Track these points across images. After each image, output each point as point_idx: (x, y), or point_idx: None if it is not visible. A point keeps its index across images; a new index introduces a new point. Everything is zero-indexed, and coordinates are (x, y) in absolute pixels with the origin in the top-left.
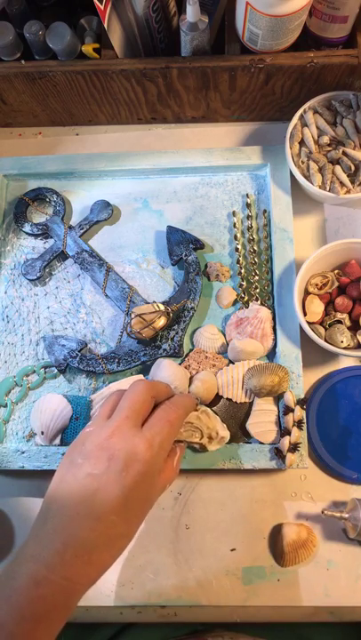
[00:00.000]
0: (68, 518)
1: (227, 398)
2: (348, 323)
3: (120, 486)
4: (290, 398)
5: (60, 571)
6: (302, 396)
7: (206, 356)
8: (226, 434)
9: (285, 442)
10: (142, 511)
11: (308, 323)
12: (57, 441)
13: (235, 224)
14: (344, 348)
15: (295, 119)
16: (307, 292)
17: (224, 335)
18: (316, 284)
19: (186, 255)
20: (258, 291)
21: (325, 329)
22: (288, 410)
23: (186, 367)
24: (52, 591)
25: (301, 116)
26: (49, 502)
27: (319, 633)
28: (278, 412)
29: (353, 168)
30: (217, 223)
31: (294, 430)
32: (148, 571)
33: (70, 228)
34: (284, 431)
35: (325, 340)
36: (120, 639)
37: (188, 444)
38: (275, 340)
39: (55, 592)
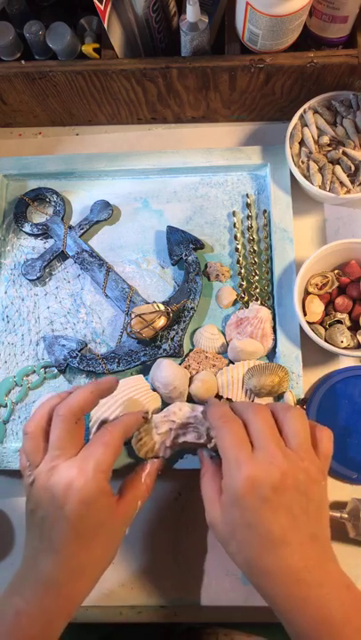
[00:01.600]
0: (33, 553)
1: (227, 398)
2: (348, 323)
3: (65, 519)
4: (290, 398)
5: (35, 603)
6: (302, 396)
7: (206, 356)
8: None
9: None
10: (101, 536)
11: (308, 323)
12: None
13: (235, 224)
14: (344, 348)
15: (295, 119)
16: (307, 292)
17: (224, 335)
18: (316, 284)
19: (186, 255)
20: (258, 291)
21: (325, 329)
22: None
23: (186, 367)
24: (30, 622)
25: (301, 116)
26: (25, 544)
27: None
28: None
29: (353, 168)
30: (217, 223)
31: None
32: (148, 571)
33: (70, 227)
34: None
35: (325, 340)
36: (118, 637)
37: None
38: (275, 339)
39: (32, 623)
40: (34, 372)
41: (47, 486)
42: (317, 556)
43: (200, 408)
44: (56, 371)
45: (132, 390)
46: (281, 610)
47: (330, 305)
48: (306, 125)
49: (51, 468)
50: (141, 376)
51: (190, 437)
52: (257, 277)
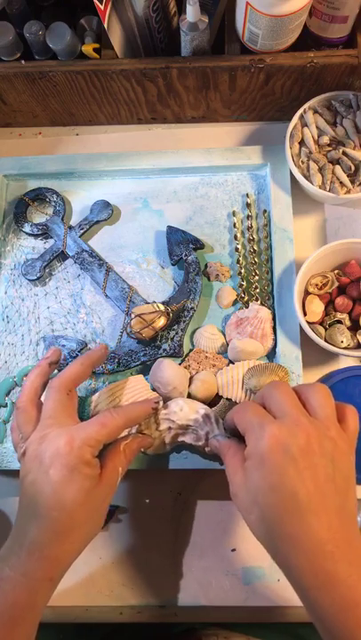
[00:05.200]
0: (21, 522)
1: (227, 398)
2: (348, 323)
3: (49, 484)
4: None
5: (19, 568)
6: None
7: (206, 356)
8: (227, 437)
9: None
10: (84, 503)
11: (308, 323)
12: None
13: (235, 224)
14: (344, 348)
15: (295, 119)
16: (307, 292)
17: (224, 335)
18: (316, 284)
19: (186, 255)
20: (258, 291)
21: (325, 329)
22: None
23: (186, 367)
24: (12, 587)
25: (301, 116)
26: (17, 514)
27: (319, 633)
28: None
29: (353, 168)
30: (217, 223)
31: None
32: (148, 571)
33: (70, 227)
34: None
35: (325, 340)
36: (118, 637)
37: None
38: (275, 340)
39: (14, 588)
40: None
41: (36, 453)
42: (344, 531)
43: (202, 410)
44: (56, 371)
45: (132, 390)
46: (305, 586)
47: (330, 305)
48: (306, 125)
49: (42, 437)
50: (141, 376)
51: (189, 439)
52: (257, 277)
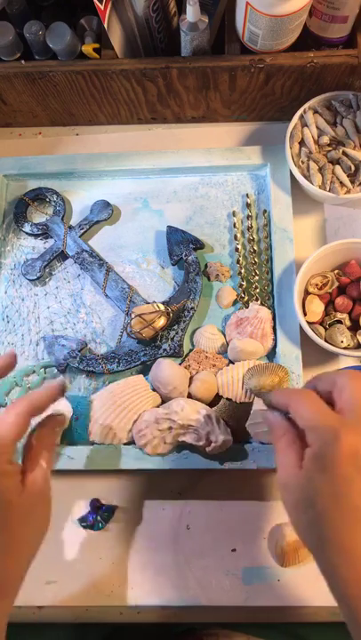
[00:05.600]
0: None
1: (227, 398)
2: (348, 323)
3: None
4: None
5: None
6: None
7: (206, 356)
8: (228, 438)
9: None
10: (15, 515)
11: (308, 323)
12: (57, 441)
13: (235, 224)
14: (344, 348)
15: (295, 119)
16: (307, 292)
17: (224, 335)
18: (316, 284)
19: (186, 255)
20: (258, 291)
21: (325, 329)
22: None
23: (186, 367)
24: None
25: (301, 116)
26: None
27: (319, 633)
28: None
29: (353, 168)
30: (217, 223)
31: None
32: (148, 571)
33: (70, 227)
34: None
35: (325, 340)
36: (118, 637)
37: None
38: (275, 340)
39: None
40: (34, 372)
41: None
42: None
43: (203, 411)
44: (56, 371)
45: (132, 390)
46: (349, 594)
47: (330, 305)
48: (306, 125)
49: None
50: (141, 376)
51: (189, 438)
52: (257, 277)
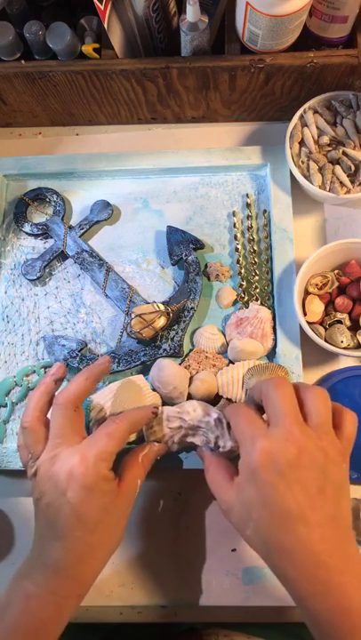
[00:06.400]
0: (42, 541)
1: (227, 398)
2: (348, 323)
3: (69, 505)
4: None
5: (46, 586)
6: None
7: (206, 356)
8: (237, 445)
9: None
10: (105, 519)
11: (308, 323)
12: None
13: (235, 224)
14: (344, 348)
15: (295, 119)
16: (307, 292)
17: (224, 335)
18: (316, 284)
19: (186, 255)
20: (258, 291)
21: (325, 329)
22: None
23: (186, 367)
24: (40, 604)
25: (301, 116)
26: (34, 531)
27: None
28: None
29: (353, 168)
30: (217, 223)
31: None
32: (148, 571)
33: (70, 227)
34: None
35: (325, 340)
36: (118, 637)
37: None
38: (275, 340)
39: (43, 605)
40: (34, 371)
41: (50, 474)
42: (337, 540)
43: (214, 414)
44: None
45: (132, 390)
46: (301, 595)
47: (330, 305)
48: (306, 125)
49: (53, 457)
50: (141, 376)
51: (198, 440)
52: (257, 277)
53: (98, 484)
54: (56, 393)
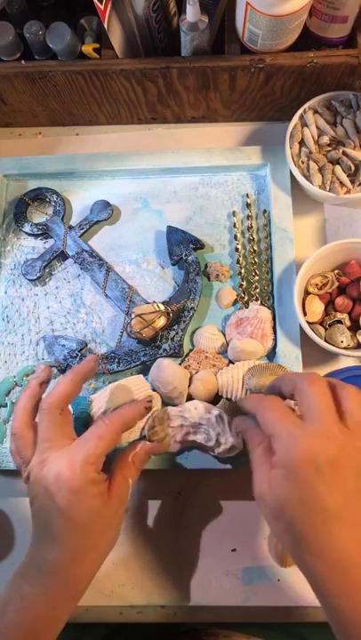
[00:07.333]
0: (38, 542)
1: (227, 398)
2: (348, 323)
3: (58, 509)
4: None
5: (40, 587)
6: None
7: (206, 356)
8: (238, 441)
9: None
10: (97, 522)
11: (308, 323)
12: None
13: (235, 224)
14: (344, 348)
15: (295, 119)
16: (307, 292)
17: (224, 335)
18: (316, 284)
19: (186, 255)
20: (258, 291)
21: (325, 329)
22: None
23: (186, 367)
24: (35, 604)
25: (301, 116)
26: (32, 533)
27: (319, 633)
28: None
29: (353, 168)
30: (217, 223)
31: None
32: (148, 571)
33: (70, 227)
34: None
35: (325, 340)
36: (118, 637)
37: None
38: (275, 340)
39: (37, 605)
40: (34, 372)
41: (39, 478)
42: None
43: (215, 411)
44: (56, 371)
45: (131, 390)
46: (328, 593)
47: (330, 305)
48: (306, 125)
49: (41, 461)
50: (141, 376)
51: (200, 438)
52: (257, 277)
53: (85, 488)
54: (43, 396)
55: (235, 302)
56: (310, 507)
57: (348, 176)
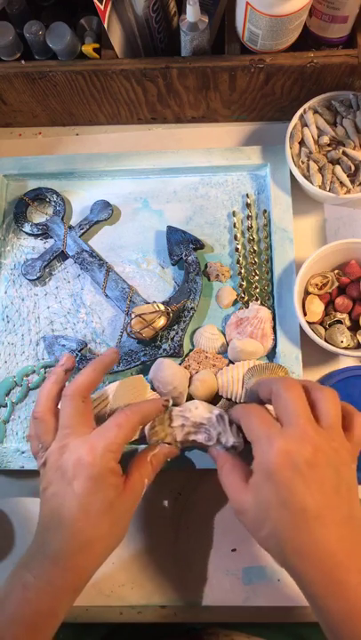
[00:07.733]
0: (43, 531)
1: (227, 398)
2: (348, 323)
3: (74, 495)
4: None
5: (43, 576)
6: None
7: (206, 356)
8: (239, 441)
9: None
10: (109, 513)
11: (308, 323)
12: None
13: (235, 224)
14: (344, 348)
15: (295, 119)
16: (307, 292)
17: (224, 335)
18: (316, 284)
19: (186, 255)
20: (258, 291)
21: (325, 329)
22: None
23: (186, 367)
24: (37, 595)
25: (301, 116)
26: (38, 522)
27: (319, 633)
28: None
29: (353, 168)
30: (217, 223)
31: None
32: (148, 571)
33: (70, 227)
34: None
35: (325, 340)
36: (118, 637)
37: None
38: (275, 340)
39: (40, 596)
40: (34, 371)
41: (58, 464)
42: (354, 539)
43: (216, 411)
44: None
45: (131, 390)
46: (317, 595)
47: (330, 305)
48: (306, 125)
49: (62, 447)
50: (141, 376)
51: (200, 438)
52: (257, 277)
53: (104, 476)
54: (66, 383)
55: (235, 302)
56: (291, 507)
57: (348, 176)
